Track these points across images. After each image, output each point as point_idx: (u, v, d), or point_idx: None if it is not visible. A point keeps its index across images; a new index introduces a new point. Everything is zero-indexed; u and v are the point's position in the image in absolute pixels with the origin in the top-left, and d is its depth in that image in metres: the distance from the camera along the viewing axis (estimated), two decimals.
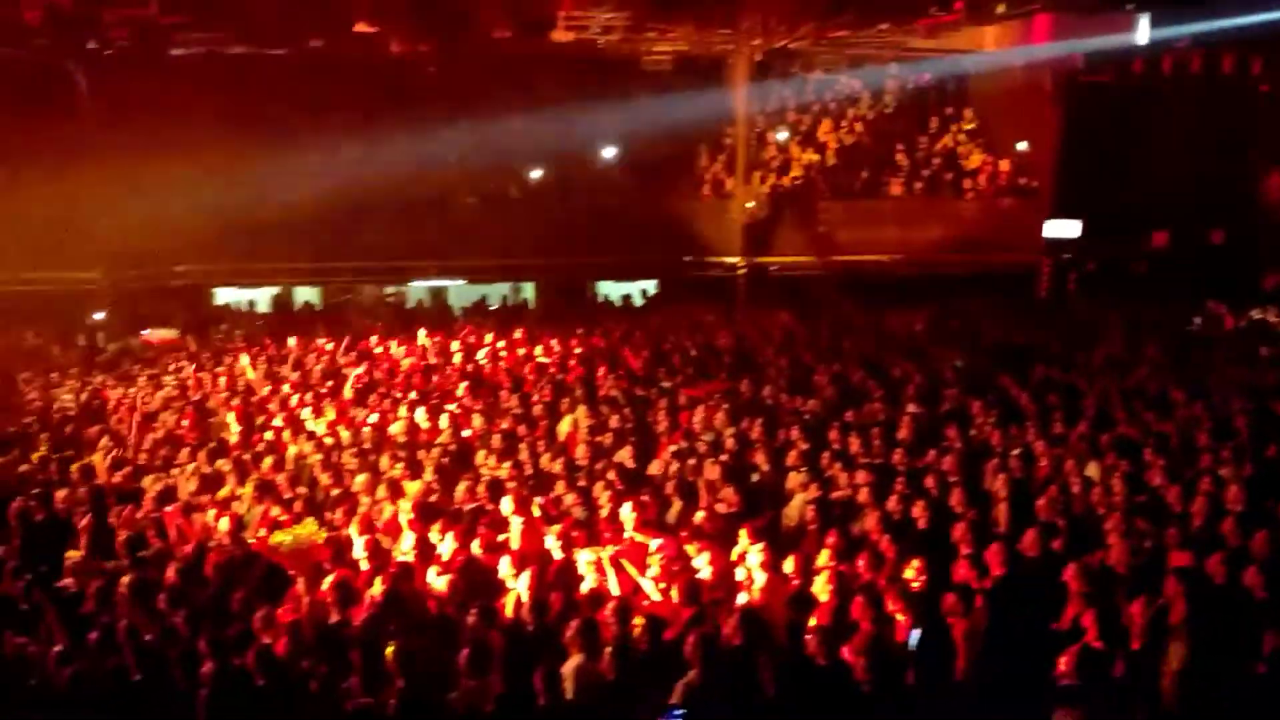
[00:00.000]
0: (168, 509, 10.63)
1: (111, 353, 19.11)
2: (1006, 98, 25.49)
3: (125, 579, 9.01)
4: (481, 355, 17.75)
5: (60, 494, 11.03)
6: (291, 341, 18.99)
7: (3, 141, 21.94)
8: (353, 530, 9.87)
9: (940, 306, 21.08)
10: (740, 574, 8.97)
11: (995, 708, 7.27)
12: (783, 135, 25.93)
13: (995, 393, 14.47)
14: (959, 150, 25.77)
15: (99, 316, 22.06)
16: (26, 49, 21.32)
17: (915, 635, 7.88)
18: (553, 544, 9.47)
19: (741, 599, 8.56)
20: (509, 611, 8.44)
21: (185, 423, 14.24)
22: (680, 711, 6.39)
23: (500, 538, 9.73)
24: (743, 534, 9.34)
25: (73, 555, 9.41)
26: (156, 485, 11.46)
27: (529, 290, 25.41)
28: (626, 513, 10.01)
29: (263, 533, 10.16)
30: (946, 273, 23.62)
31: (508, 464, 11.94)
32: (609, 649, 7.37)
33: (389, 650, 7.17)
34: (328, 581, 8.57)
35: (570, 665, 7.24)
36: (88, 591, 8.93)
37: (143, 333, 20.74)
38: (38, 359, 18.56)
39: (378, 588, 8.61)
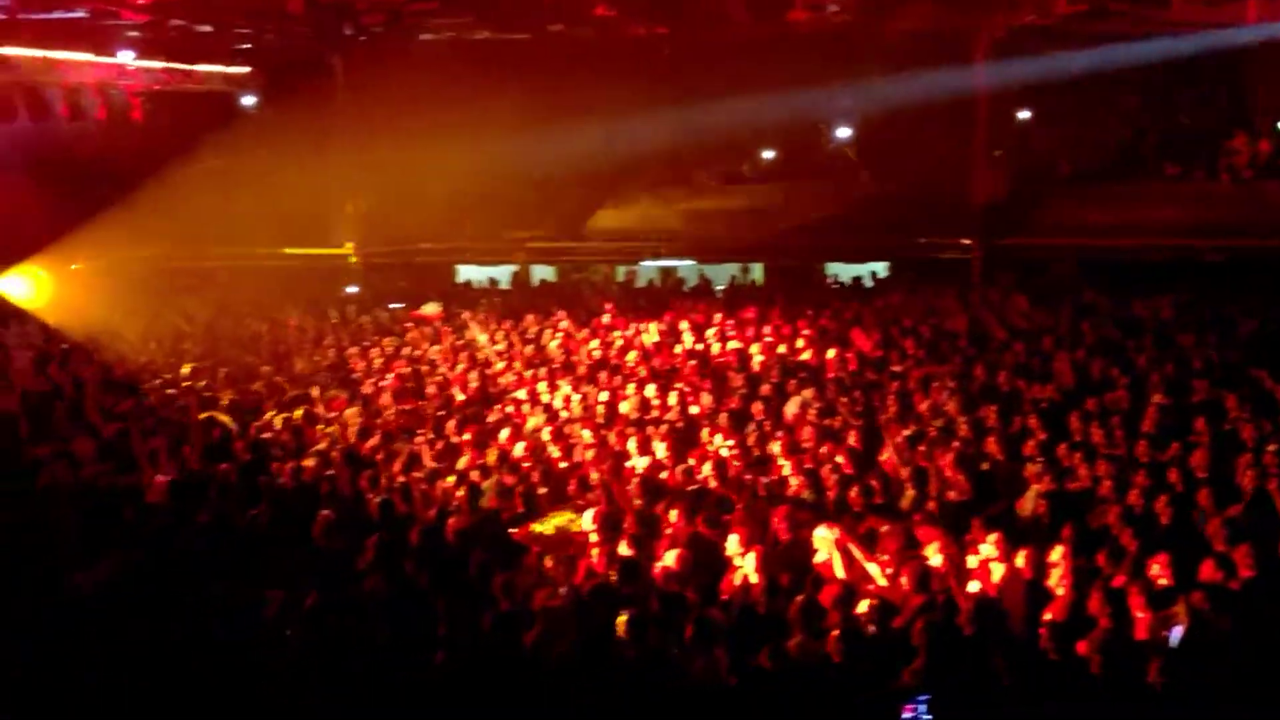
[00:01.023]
0: (413, 475, 11.14)
1: (361, 325, 20.05)
2: (1268, 73, 23.93)
3: (373, 540, 9.52)
4: (710, 335, 17.86)
5: (310, 461, 11.73)
6: (529, 318, 19.54)
7: (265, 124, 23.36)
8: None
9: (1191, 293, 20.00)
10: (971, 563, 8.79)
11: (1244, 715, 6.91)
12: (1024, 114, 25.04)
13: (1249, 385, 13.67)
14: (1215, 130, 24.36)
15: (351, 290, 23.23)
16: (288, 36, 22.58)
17: (1177, 633, 7.55)
18: (779, 525, 9.49)
19: (972, 588, 8.39)
20: (734, 590, 8.52)
21: (429, 392, 14.86)
22: (925, 696, 6.31)
23: (725, 516, 9.81)
24: (974, 523, 9.15)
25: (325, 516, 9.94)
26: (402, 453, 12.00)
27: (758, 271, 25.37)
28: (854, 497, 9.94)
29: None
30: (1199, 259, 22.37)
31: (733, 443, 12.02)
32: (834, 632, 7.34)
33: (620, 620, 7.32)
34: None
35: (792, 645, 7.25)
36: (336, 549, 9.47)
37: (398, 306, 21.66)
38: (295, 330, 19.62)
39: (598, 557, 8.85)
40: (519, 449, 12.14)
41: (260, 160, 22.58)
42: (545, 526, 10.11)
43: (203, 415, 13.14)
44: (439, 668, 7.25)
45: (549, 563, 8.94)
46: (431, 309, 20.61)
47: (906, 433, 12.16)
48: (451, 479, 11.24)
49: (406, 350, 17.58)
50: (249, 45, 22.70)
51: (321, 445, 12.45)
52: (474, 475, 11.25)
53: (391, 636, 7.64)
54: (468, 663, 7.16)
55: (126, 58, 19.72)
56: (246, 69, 23.30)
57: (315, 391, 14.93)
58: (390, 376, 15.69)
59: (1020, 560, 8.61)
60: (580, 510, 10.11)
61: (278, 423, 13.34)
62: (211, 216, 21.90)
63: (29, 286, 21.85)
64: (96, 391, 14.45)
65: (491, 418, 13.45)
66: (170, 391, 14.99)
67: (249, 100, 23.88)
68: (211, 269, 23.07)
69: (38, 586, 8.87)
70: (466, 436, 12.55)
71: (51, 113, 18.76)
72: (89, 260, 22.43)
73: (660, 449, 11.94)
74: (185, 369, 16.45)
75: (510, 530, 9.95)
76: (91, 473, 11.47)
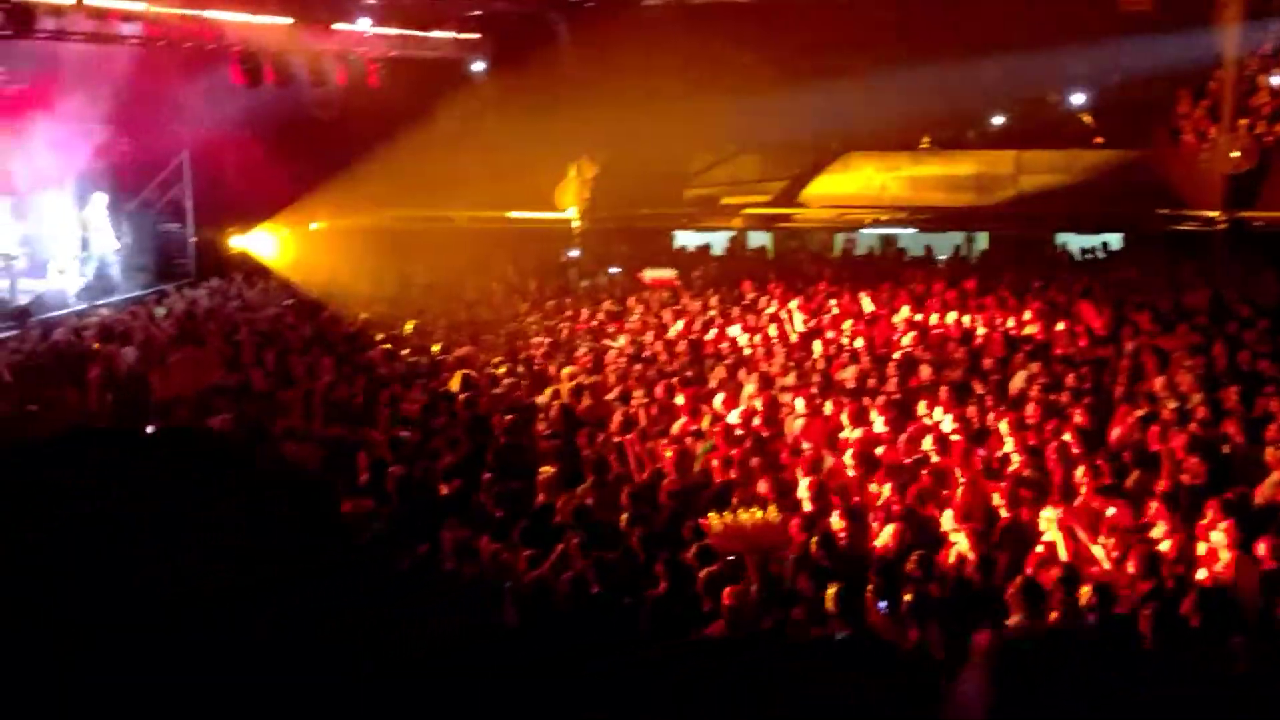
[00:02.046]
0: (628, 436, 11.34)
1: (583, 289, 20.46)
2: None
3: (586, 497, 9.76)
4: (930, 306, 17.52)
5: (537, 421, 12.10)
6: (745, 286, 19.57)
7: (493, 90, 24.03)
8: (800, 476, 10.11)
9: None
10: (1200, 550, 8.42)
11: None
12: (1277, 79, 23.53)
13: None
14: None
15: (572, 254, 23.72)
16: (517, 2, 23.14)
17: None
18: (999, 502, 9.30)
19: (1201, 576, 8.05)
20: (949, 565, 8.40)
21: (647, 355, 15.08)
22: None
23: (942, 491, 9.67)
24: (1209, 508, 8.75)
25: (545, 472, 10.24)
26: (619, 414, 12.23)
27: (982, 241, 24.71)
28: (1080, 476, 9.64)
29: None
30: None
31: (953, 417, 11.79)
32: (1054, 614, 7.17)
33: (830, 590, 7.32)
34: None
35: (1010, 625, 7.12)
36: (556, 506, 9.76)
37: (616, 271, 22.03)
38: (515, 293, 20.18)
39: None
40: (733, 416, 12.20)
41: (487, 125, 23.24)
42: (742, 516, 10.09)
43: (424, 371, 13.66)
44: (647, 619, 7.39)
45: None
46: (664, 274, 20.79)
47: (1139, 413, 11.69)
48: (665, 442, 11.39)
49: (630, 314, 17.85)
50: (479, 11, 23.32)
51: (542, 404, 12.79)
52: (687, 440, 11.37)
53: (604, 590, 7.83)
54: (678, 621, 7.29)
55: (364, 25, 20.55)
56: (476, 35, 23.96)
57: (536, 352, 15.32)
58: (621, 339, 15.97)
59: (1262, 549, 8.19)
60: (785, 492, 10.02)
61: (501, 381, 13.75)
62: (440, 180, 22.64)
63: (272, 245, 23.14)
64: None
65: (710, 383, 13.57)
66: (391, 348, 15.61)
67: (478, 66, 24.58)
68: (439, 231, 23.87)
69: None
70: (681, 400, 12.68)
71: (295, 79, 19.74)
72: (326, 220, 23.53)
73: (877, 421, 11.81)
74: (408, 327, 17.10)
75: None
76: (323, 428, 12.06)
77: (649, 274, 20.74)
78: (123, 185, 22.82)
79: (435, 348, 15.55)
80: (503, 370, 14.42)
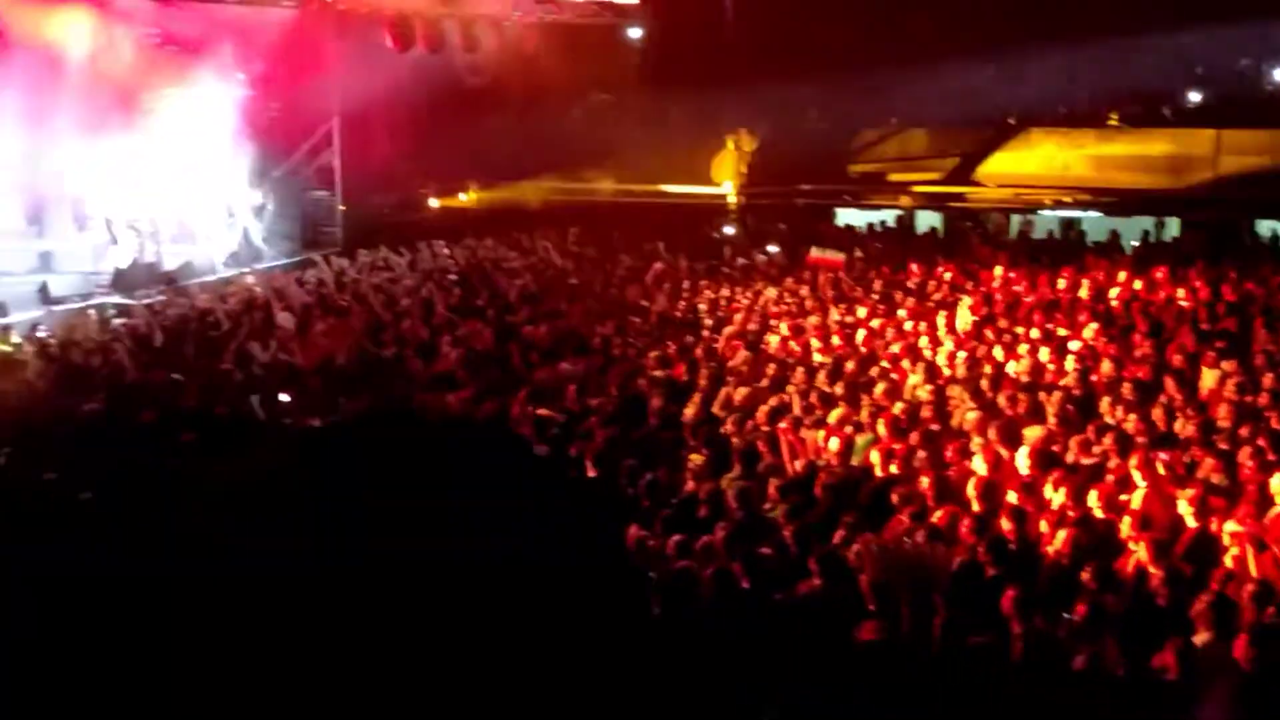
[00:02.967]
0: (780, 425, 11.30)
1: (738, 268, 20.42)
2: None
3: (735, 488, 9.76)
4: (1114, 295, 17.04)
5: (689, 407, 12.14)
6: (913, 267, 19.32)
7: (650, 58, 24.13)
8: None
9: None
10: None
11: None
12: None
13: None
14: None
15: (728, 231, 23.70)
16: None
17: None
18: (1185, 510, 9.00)
19: None
20: (1127, 575, 8.17)
21: (803, 341, 15.01)
22: None
23: (1121, 496, 9.40)
24: None
25: (694, 460, 10.27)
26: (771, 401, 12.18)
27: (1174, 226, 23.92)
28: (1277, 485, 9.27)
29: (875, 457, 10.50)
30: None
31: (1136, 417, 11.45)
32: (1244, 634, 6.92)
33: (1007, 596, 7.20)
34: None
35: (1198, 643, 6.90)
36: (701, 495, 9.78)
37: (774, 250, 21.96)
38: (666, 270, 20.24)
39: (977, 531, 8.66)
40: (896, 407, 12.05)
41: (642, 95, 23.36)
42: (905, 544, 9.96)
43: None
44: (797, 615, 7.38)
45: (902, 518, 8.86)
46: (830, 254, 20.62)
47: None
48: (821, 433, 11.32)
49: (788, 296, 17.78)
50: None
51: (699, 390, 12.83)
52: (846, 430, 11.28)
53: (754, 585, 7.84)
54: (832, 620, 7.26)
55: None
56: (635, 0, 24.09)
57: (688, 334, 15.37)
58: (779, 325, 15.93)
59: None
60: (949, 491, 9.88)
61: (657, 366, 13.84)
62: (592, 151, 22.84)
63: (421, 215, 23.65)
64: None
65: (871, 371, 13.43)
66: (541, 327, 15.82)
67: (635, 33, 24.70)
68: (589, 204, 24.10)
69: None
70: (839, 389, 12.58)
71: (447, 44, 20.13)
72: (475, 190, 23.94)
73: (1053, 417, 11.54)
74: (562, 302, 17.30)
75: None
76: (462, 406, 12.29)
77: (815, 253, 20.57)
78: (271, 151, 23.56)
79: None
80: (653, 352, 14.50)
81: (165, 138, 21.80)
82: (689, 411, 12.13)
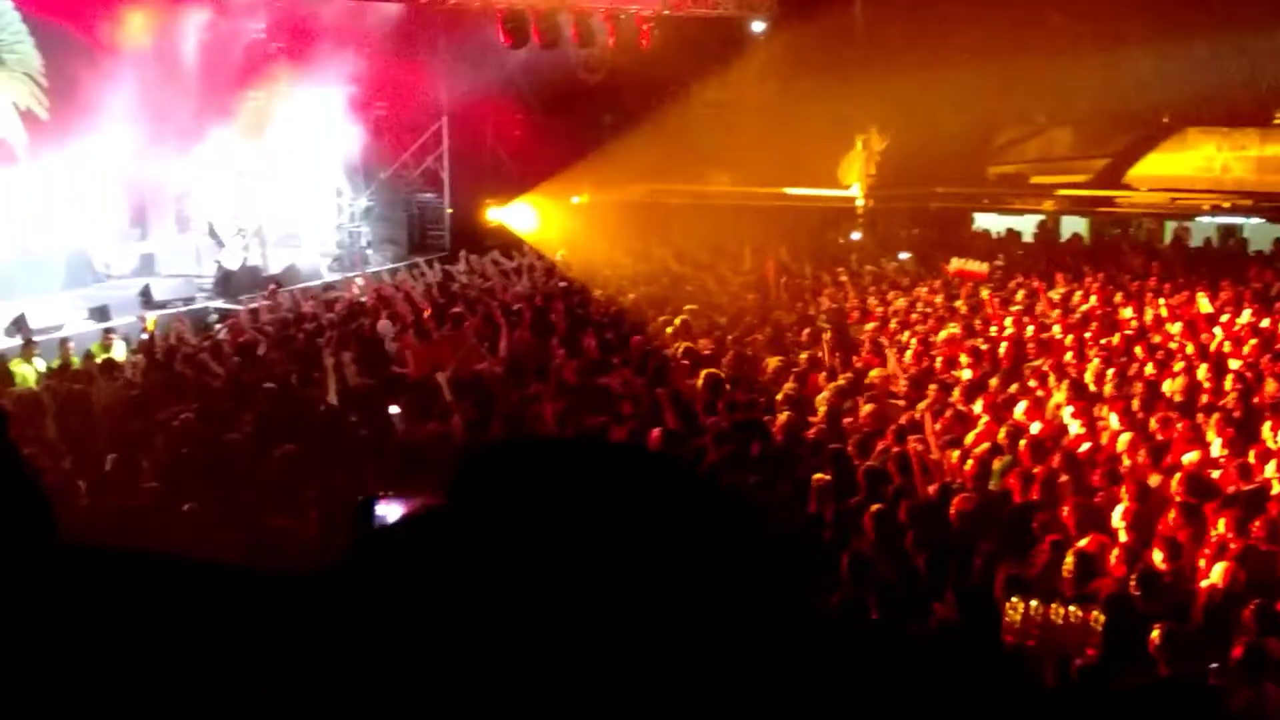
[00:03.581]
0: (912, 445, 11.18)
1: (866, 275, 20.27)
2: None
3: (868, 511, 9.68)
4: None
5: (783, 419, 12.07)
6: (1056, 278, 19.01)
7: (775, 53, 24.09)
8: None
9: None
10: None
11: None
12: None
13: None
14: None
15: (855, 237, 23.55)
16: None
17: None
18: None
19: None
20: None
21: (938, 355, 14.86)
22: None
23: None
24: None
25: (818, 479, 10.21)
26: (901, 419, 12.07)
27: None
28: None
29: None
30: None
31: None
32: None
33: (1154, 633, 7.04)
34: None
35: None
36: (825, 518, 9.73)
37: (905, 256, 21.77)
38: (790, 279, 20.16)
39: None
40: (1037, 428, 11.87)
41: (766, 92, 23.33)
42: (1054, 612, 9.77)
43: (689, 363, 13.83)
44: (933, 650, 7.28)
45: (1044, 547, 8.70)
46: (973, 266, 20.34)
47: None
48: (956, 454, 11.18)
49: (918, 307, 17.62)
50: None
51: (820, 403, 12.76)
52: (982, 451, 11.13)
53: (883, 616, 7.76)
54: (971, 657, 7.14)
55: None
56: None
57: (813, 347, 15.29)
58: (911, 338, 15.80)
59: None
60: (1094, 519, 9.67)
61: (775, 380, 13.80)
62: (713, 151, 22.87)
63: (532, 218, 23.88)
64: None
65: (1012, 389, 13.24)
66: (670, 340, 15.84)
67: (758, 26, 24.68)
68: (710, 207, 24.13)
69: None
70: (977, 408, 12.43)
71: (561, 39, 20.32)
72: (589, 193, 24.10)
73: (1213, 441, 11.27)
74: (681, 317, 17.30)
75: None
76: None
77: (955, 264, 20.30)
78: (378, 152, 24.02)
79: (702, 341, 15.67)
80: (775, 364, 14.45)
81: (270, 138, 22.36)
82: (813, 429, 12.08)
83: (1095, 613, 7.77)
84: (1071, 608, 7.75)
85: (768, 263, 20.35)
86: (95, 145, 19.79)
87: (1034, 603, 7.70)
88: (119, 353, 15.58)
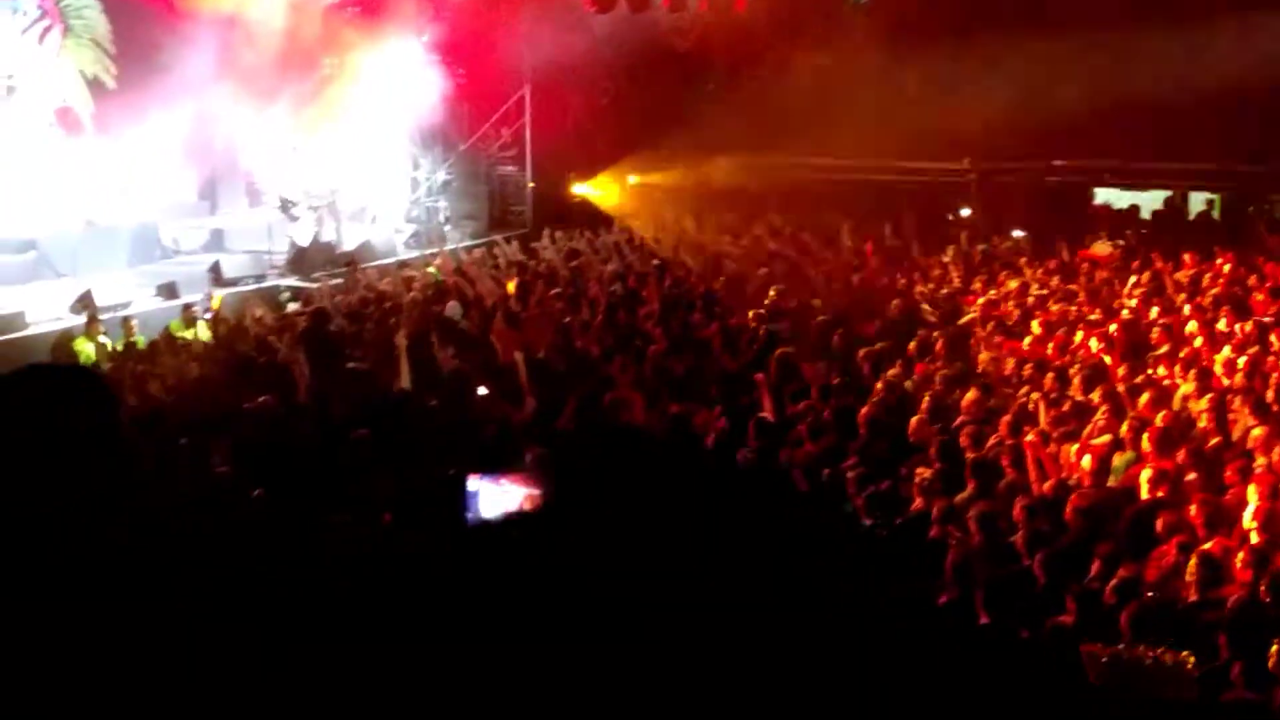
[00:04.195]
0: (1026, 437, 11.05)
1: (976, 254, 20.05)
2: None
3: (973, 508, 9.59)
4: None
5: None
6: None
7: (878, 16, 23.86)
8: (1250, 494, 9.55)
9: None
10: None
11: None
12: None
13: None
14: None
15: (965, 213, 23.31)
16: None
17: None
18: None
19: None
20: None
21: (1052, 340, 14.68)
22: None
23: None
24: None
25: (922, 473, 10.13)
26: (1015, 409, 11.93)
27: None
28: None
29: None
30: None
31: None
32: None
33: (1274, 649, 6.92)
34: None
35: None
36: (933, 515, 9.65)
37: (1019, 235, 21.51)
38: (893, 258, 20.01)
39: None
40: (1162, 420, 11.67)
41: (870, 58, 23.11)
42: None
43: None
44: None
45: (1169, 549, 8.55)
46: (1102, 247, 20.03)
47: None
48: (1074, 448, 11.03)
49: (1033, 289, 17.40)
50: None
51: (926, 392, 12.66)
52: (1102, 445, 10.98)
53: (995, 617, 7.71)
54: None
55: None
56: None
57: (921, 331, 15.16)
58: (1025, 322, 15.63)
59: None
60: (1224, 519, 9.50)
61: (876, 367, 13.70)
62: (813, 120, 22.70)
63: (618, 193, 23.90)
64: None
65: (1135, 379, 13.04)
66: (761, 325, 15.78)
67: None
68: (807, 181, 23.98)
69: None
70: (1096, 398, 12.25)
71: (652, 2, 20.29)
72: (680, 166, 24.07)
73: None
74: (772, 293, 17.25)
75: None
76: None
77: (1098, 248, 19.96)
78: (457, 123, 24.16)
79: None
80: (876, 349, 14.35)
81: (344, 108, 22.59)
82: (917, 418, 11.98)
83: (1187, 655, 7.64)
84: (1161, 650, 7.61)
85: (869, 241, 20.22)
86: (164, 115, 20.10)
87: (1120, 646, 7.58)
88: (201, 331, 15.89)
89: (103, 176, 20.75)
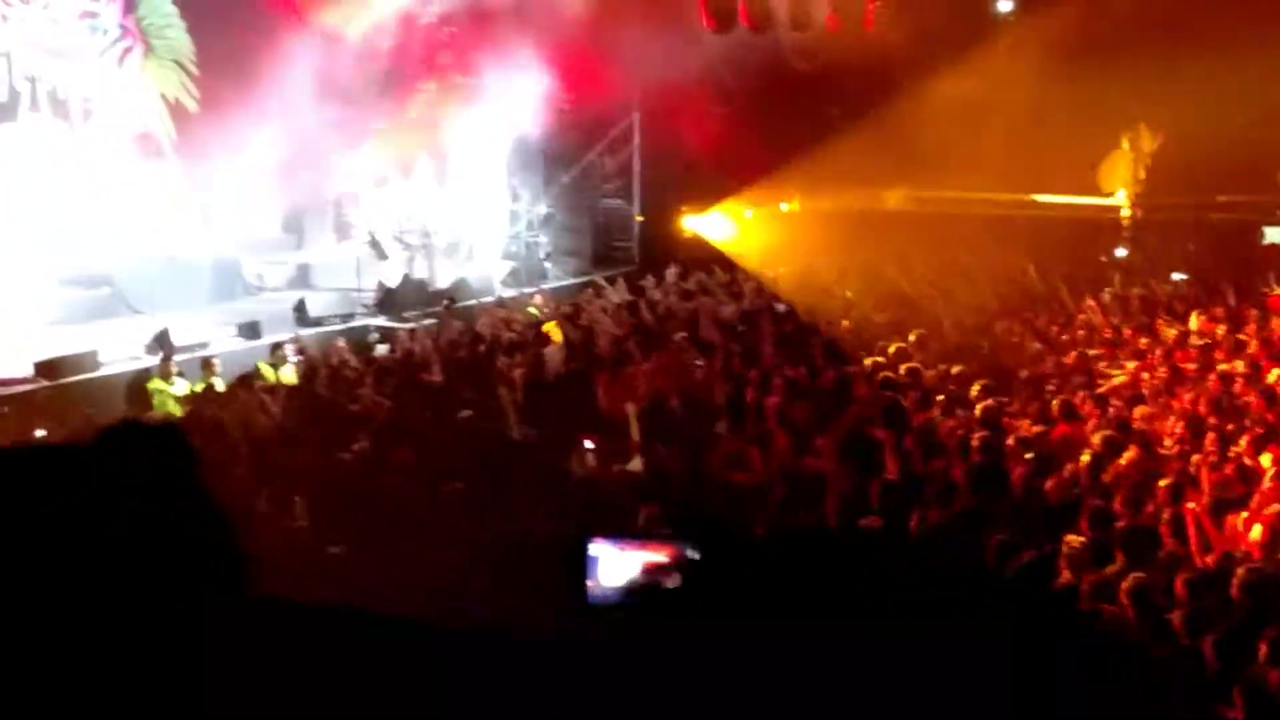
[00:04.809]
0: (1188, 505, 10.86)
1: (1132, 299, 19.77)
2: None
3: (1126, 581, 9.43)
4: None
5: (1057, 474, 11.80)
6: None
7: (1022, 31, 23.70)
8: None
9: None
10: None
11: None
12: None
13: None
14: None
15: (1119, 254, 23.03)
16: None
17: None
18: None
19: None
20: None
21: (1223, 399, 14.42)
22: None
23: None
24: None
25: (1071, 541, 9.99)
26: (1175, 474, 11.73)
27: None
28: None
29: None
30: None
31: None
32: None
33: None
34: None
35: None
36: (1083, 587, 9.50)
37: (1180, 277, 21.16)
38: (1032, 299, 19.78)
39: None
40: None
41: (1016, 82, 22.97)
42: None
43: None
44: None
45: None
46: None
47: None
48: (1242, 517, 10.82)
49: (1197, 339, 17.12)
50: None
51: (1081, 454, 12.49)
52: (1274, 515, 10.75)
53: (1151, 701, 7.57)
54: None
55: None
56: None
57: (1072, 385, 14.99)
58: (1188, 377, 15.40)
59: None
60: None
61: (1017, 423, 13.56)
62: (951, 150, 22.59)
63: (731, 228, 23.92)
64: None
65: None
66: (886, 374, 15.67)
67: (1005, 6, 24.35)
68: (940, 217, 23.85)
69: None
70: (1266, 461, 12.01)
71: (774, 22, 20.34)
72: (800, 199, 24.06)
73: None
74: (911, 337, 17.14)
75: None
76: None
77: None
78: (560, 152, 24.33)
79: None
80: (1019, 404, 14.21)
81: (439, 137, 22.87)
82: (1066, 480, 11.82)
83: None
84: None
85: (1014, 283, 20.03)
86: (249, 141, 20.47)
87: None
88: (289, 373, 16.07)
89: (183, 207, 21.14)
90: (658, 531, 7.50)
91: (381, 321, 19.21)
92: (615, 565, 6.29)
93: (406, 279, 21.09)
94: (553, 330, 17.29)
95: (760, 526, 10.08)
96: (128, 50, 21.84)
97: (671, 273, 20.90)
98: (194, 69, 22.50)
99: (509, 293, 21.46)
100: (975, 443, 12.59)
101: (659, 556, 6.30)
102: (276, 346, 16.79)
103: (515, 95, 22.73)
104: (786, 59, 23.09)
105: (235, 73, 21.19)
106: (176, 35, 22.42)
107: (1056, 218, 23.90)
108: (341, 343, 17.29)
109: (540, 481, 11.08)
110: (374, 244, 21.44)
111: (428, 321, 18.52)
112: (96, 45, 21.49)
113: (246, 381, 15.35)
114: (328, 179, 22.85)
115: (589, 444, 11.78)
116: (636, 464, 11.75)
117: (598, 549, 6.23)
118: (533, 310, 19.34)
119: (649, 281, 20.50)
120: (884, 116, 22.80)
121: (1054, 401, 14.14)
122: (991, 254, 21.89)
